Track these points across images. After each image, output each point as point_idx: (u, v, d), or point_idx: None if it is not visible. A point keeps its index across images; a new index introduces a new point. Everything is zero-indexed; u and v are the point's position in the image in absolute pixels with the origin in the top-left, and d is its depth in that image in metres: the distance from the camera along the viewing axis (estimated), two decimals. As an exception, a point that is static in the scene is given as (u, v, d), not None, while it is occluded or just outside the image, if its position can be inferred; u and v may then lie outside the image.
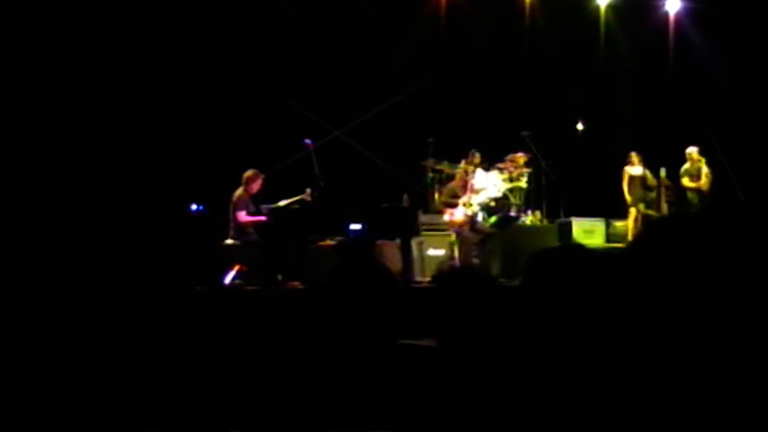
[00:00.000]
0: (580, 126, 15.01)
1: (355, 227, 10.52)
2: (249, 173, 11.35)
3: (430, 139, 12.76)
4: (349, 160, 13.68)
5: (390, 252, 11.56)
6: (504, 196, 12.48)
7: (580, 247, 2.74)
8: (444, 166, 12.82)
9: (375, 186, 12.88)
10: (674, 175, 13.50)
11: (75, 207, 11.81)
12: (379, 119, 14.22)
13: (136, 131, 12.71)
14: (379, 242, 11.65)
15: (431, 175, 12.92)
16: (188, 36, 13.17)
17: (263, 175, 11.44)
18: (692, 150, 13.35)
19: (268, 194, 11.56)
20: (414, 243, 11.67)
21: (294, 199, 11.33)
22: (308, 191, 11.27)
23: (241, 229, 11.17)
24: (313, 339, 2.16)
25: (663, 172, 13.33)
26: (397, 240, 11.51)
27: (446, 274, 2.89)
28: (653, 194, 13.34)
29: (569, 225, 12.78)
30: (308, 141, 11.66)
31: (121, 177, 12.44)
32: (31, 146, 11.81)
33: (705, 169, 13.27)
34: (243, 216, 11.13)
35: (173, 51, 13.07)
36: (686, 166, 13.41)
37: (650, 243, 1.43)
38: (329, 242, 11.18)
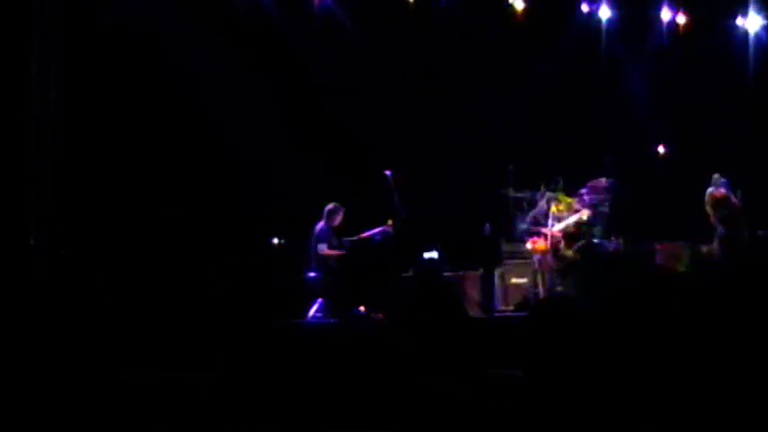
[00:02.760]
0: (661, 149, 14.76)
1: (428, 255, 10.49)
2: (330, 206, 11.49)
3: (511, 167, 12.62)
4: (429, 190, 13.61)
5: (473, 282, 11.54)
6: (587, 223, 12.35)
7: (663, 274, 2.69)
8: (526, 194, 12.61)
9: (456, 216, 12.84)
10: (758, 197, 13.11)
11: (156, 242, 11.95)
12: (458, 147, 14.09)
13: (216, 166, 12.85)
14: (461, 272, 11.64)
15: (512, 202, 12.77)
16: (263, 68, 13.26)
17: (344, 209, 11.55)
18: None
19: (349, 227, 11.64)
20: (496, 272, 11.72)
21: (376, 231, 11.40)
22: (390, 222, 11.32)
23: (323, 262, 11.26)
24: (403, 370, 2.15)
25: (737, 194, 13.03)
26: (480, 270, 11.52)
27: (536, 302, 2.84)
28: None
29: (653, 250, 12.55)
30: (388, 173, 11.69)
31: (203, 212, 12.57)
32: (114, 181, 11.99)
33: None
34: (324, 249, 11.23)
35: (250, 84, 13.16)
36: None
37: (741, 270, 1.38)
38: (412, 273, 11.17)
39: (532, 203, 12.53)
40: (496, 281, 11.74)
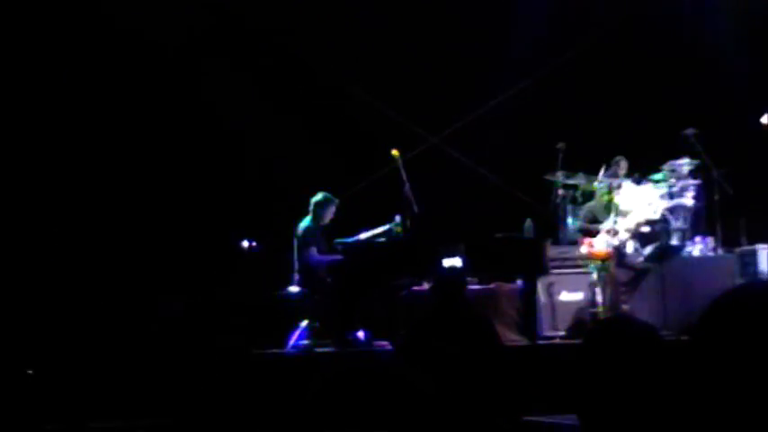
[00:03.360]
0: (766, 119, 14.71)
1: (450, 263, 10.57)
2: (319, 198, 11.43)
3: (559, 145, 12.63)
4: (451, 177, 13.68)
5: (509, 298, 11.61)
6: (663, 218, 12.19)
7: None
8: (579, 180, 12.64)
9: (487, 211, 12.92)
10: None
11: (92, 247, 12.17)
12: (489, 120, 14.14)
13: (170, 147, 13.04)
14: (494, 285, 11.74)
15: (561, 192, 12.76)
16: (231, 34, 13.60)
17: (336, 201, 11.51)
18: None
19: (344, 226, 11.63)
20: (541, 285, 11.68)
21: (379, 231, 11.36)
22: (398, 219, 11.25)
23: (309, 272, 11.23)
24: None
25: None
26: (518, 282, 11.52)
27: (595, 325, 2.85)
28: None
29: (754, 255, 12.57)
30: (395, 153, 11.59)
31: (150, 207, 12.71)
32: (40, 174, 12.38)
33: None
34: (312, 255, 11.17)
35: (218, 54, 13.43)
36: None
37: None
38: (427, 287, 11.17)
39: (589, 194, 12.62)
40: (541, 297, 11.72)
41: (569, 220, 12.62)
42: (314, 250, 11.22)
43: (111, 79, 12.90)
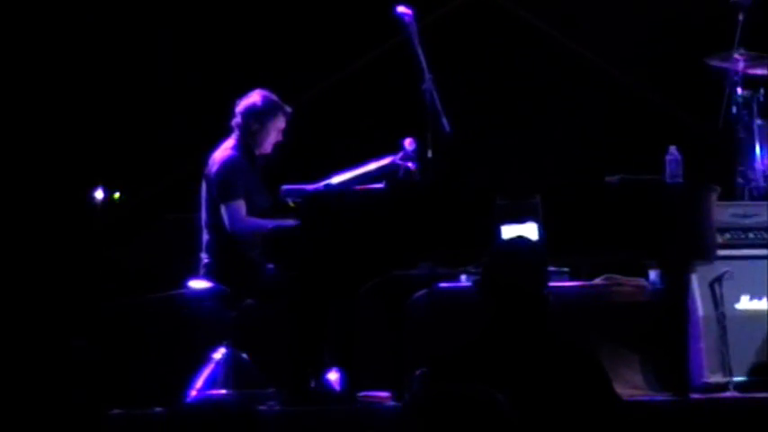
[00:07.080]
0: None
1: (515, 234, 10.22)
2: (255, 98, 11.70)
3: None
4: (516, 60, 14.66)
5: (634, 308, 12.08)
6: None
7: None
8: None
9: (587, 131, 13.91)
10: None
11: None
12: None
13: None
14: (601, 281, 12.20)
15: (743, 93, 12.80)
16: None
17: (286, 109, 11.80)
18: None
19: (303, 160, 12.51)
20: (698, 281, 11.74)
21: (371, 168, 11.63)
22: (409, 146, 11.56)
23: (232, 251, 11.48)
24: None
25: None
26: (651, 276, 12.01)
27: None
28: None
29: None
30: (403, 13, 11.75)
31: None
32: None
33: None
34: (237, 217, 11.45)
35: None
36: None
37: None
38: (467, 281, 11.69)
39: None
40: (699, 306, 11.73)
41: (757, 151, 12.59)
42: (240, 207, 11.41)
43: None
